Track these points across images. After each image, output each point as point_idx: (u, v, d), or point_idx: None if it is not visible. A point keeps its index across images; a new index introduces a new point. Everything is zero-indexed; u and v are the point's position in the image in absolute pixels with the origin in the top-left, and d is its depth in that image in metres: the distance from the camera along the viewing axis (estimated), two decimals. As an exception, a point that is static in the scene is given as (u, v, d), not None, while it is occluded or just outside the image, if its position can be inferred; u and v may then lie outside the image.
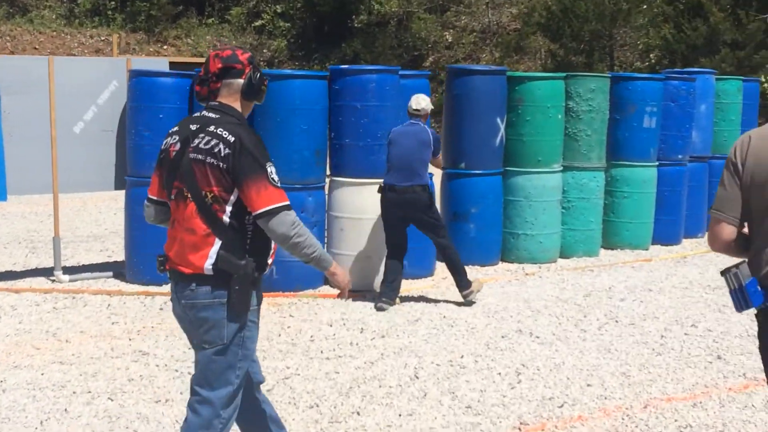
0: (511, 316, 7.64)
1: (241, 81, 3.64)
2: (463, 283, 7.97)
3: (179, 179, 3.59)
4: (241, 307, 3.54)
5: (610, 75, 10.94)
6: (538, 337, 6.98)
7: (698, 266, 9.90)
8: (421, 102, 7.98)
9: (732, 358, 6.50)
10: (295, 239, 3.50)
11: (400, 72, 9.00)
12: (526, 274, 9.34)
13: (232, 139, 3.48)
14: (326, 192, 8.69)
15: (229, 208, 3.51)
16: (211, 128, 3.54)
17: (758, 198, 3.26)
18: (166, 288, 7.45)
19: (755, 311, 3.34)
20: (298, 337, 6.90)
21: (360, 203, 8.44)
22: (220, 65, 3.61)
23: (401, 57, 27.94)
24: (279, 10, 30.80)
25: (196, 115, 3.69)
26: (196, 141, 3.55)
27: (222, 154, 3.48)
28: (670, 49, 19.98)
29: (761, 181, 3.24)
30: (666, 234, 11.16)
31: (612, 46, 21.77)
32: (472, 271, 9.38)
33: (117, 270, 8.93)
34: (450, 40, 28.32)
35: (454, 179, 9.78)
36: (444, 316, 7.59)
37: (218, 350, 3.57)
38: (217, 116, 3.60)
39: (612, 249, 10.72)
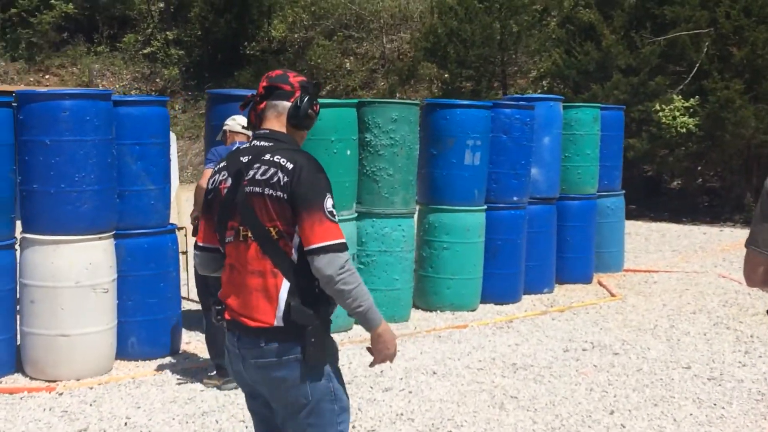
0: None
1: (287, 104, 3.32)
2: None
3: (234, 218, 3.25)
4: (319, 362, 3.16)
5: (426, 102, 9.19)
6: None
7: (520, 334, 8.09)
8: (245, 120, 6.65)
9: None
10: (340, 285, 3.09)
11: (128, 99, 7.16)
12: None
13: (290, 166, 3.17)
14: (18, 253, 6.76)
15: (296, 243, 3.16)
16: (267, 156, 3.23)
17: None
18: None
19: None
20: None
21: (54, 268, 6.50)
22: (265, 84, 3.34)
23: (297, 86, 26.17)
24: (171, 37, 28.90)
25: (244, 146, 3.37)
26: (251, 172, 3.23)
27: (281, 183, 3.15)
28: (561, 75, 18.34)
29: None
30: (500, 291, 9.37)
31: (504, 72, 20.10)
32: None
33: None
34: (349, 68, 26.60)
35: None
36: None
37: (308, 412, 3.20)
38: (270, 144, 3.28)
39: (431, 311, 8.91)
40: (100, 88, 26.78)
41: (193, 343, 7.69)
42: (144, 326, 7.10)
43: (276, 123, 3.33)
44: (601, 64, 17.71)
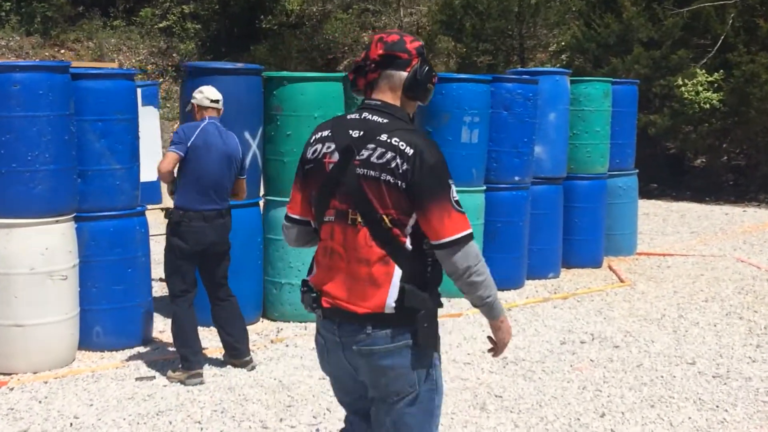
0: None
1: (404, 74, 3.07)
2: (244, 349, 6.36)
3: (341, 199, 3.03)
4: (429, 348, 3.03)
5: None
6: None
7: (517, 323, 7.56)
8: (219, 93, 6.22)
9: None
10: (474, 277, 2.97)
11: (89, 72, 6.72)
12: (272, 341, 7.00)
13: (410, 151, 2.93)
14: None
15: (409, 231, 2.98)
16: (383, 137, 2.98)
17: None
18: None
19: None
20: None
21: (6, 253, 6.07)
22: (381, 52, 3.05)
23: (314, 61, 25.65)
24: (187, 11, 28.42)
25: (352, 116, 3.10)
26: (365, 153, 2.99)
27: (400, 171, 2.93)
28: (580, 48, 17.65)
29: None
30: (500, 276, 8.49)
31: (522, 45, 19.43)
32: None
33: None
34: (367, 42, 25.98)
35: (188, 213, 7.43)
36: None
37: (410, 400, 3.04)
38: (385, 120, 3.03)
39: (426, 297, 8.36)
40: (116, 63, 26.42)
41: (168, 332, 7.22)
42: (109, 315, 6.66)
43: (389, 95, 3.09)
44: (621, 36, 17.03)
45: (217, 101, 6.16)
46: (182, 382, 5.98)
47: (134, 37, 28.87)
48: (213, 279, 6.21)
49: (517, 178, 8.87)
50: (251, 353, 6.39)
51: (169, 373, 6.12)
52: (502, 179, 8.81)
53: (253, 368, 6.29)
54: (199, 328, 6.39)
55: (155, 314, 7.40)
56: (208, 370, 6.20)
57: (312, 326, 7.42)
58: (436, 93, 8.29)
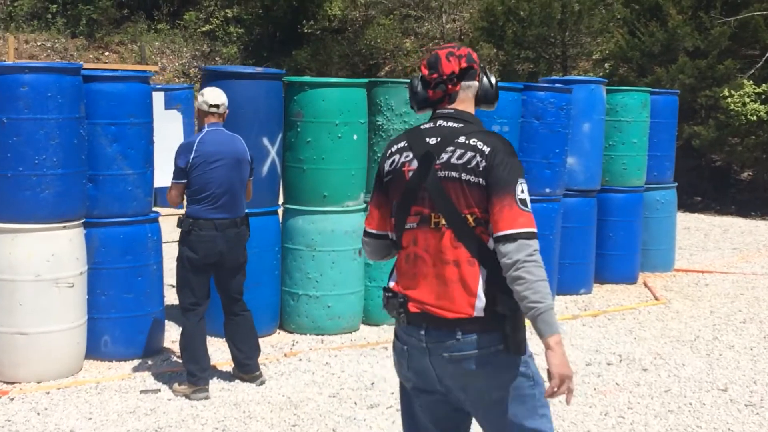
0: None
1: (476, 83, 3.21)
2: (254, 365, 6.13)
3: (423, 204, 3.08)
4: (518, 350, 3.01)
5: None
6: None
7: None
8: (221, 96, 5.90)
9: None
10: (522, 272, 2.90)
11: (102, 74, 6.56)
12: (285, 355, 6.77)
13: (487, 149, 3.02)
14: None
15: (491, 230, 2.99)
16: (461, 139, 3.06)
17: None
18: None
19: None
20: None
21: (11, 259, 5.92)
22: (464, 65, 3.15)
23: (356, 66, 25.49)
24: (230, 15, 28.43)
25: (426, 126, 3.17)
26: (445, 156, 3.06)
27: (480, 168, 3.01)
28: (624, 57, 17.23)
29: None
30: (529, 291, 8.49)
31: (565, 53, 19.03)
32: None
33: None
34: (409, 48, 25.79)
35: (204, 220, 7.23)
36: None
37: (508, 402, 3.03)
38: (460, 125, 3.11)
39: (451, 311, 8.10)
40: (159, 66, 26.52)
41: (180, 341, 7.05)
42: (118, 324, 6.48)
43: (466, 103, 3.20)
44: (666, 45, 16.55)
45: (216, 106, 5.89)
46: (187, 397, 5.78)
47: (178, 40, 28.93)
48: (227, 293, 6.00)
49: (548, 190, 8.57)
50: (261, 368, 6.17)
51: (175, 386, 5.92)
52: (533, 190, 8.18)
53: (262, 383, 6.07)
54: (211, 339, 6.25)
55: (169, 323, 7.24)
56: (215, 384, 5.99)
57: (328, 339, 7.20)
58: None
